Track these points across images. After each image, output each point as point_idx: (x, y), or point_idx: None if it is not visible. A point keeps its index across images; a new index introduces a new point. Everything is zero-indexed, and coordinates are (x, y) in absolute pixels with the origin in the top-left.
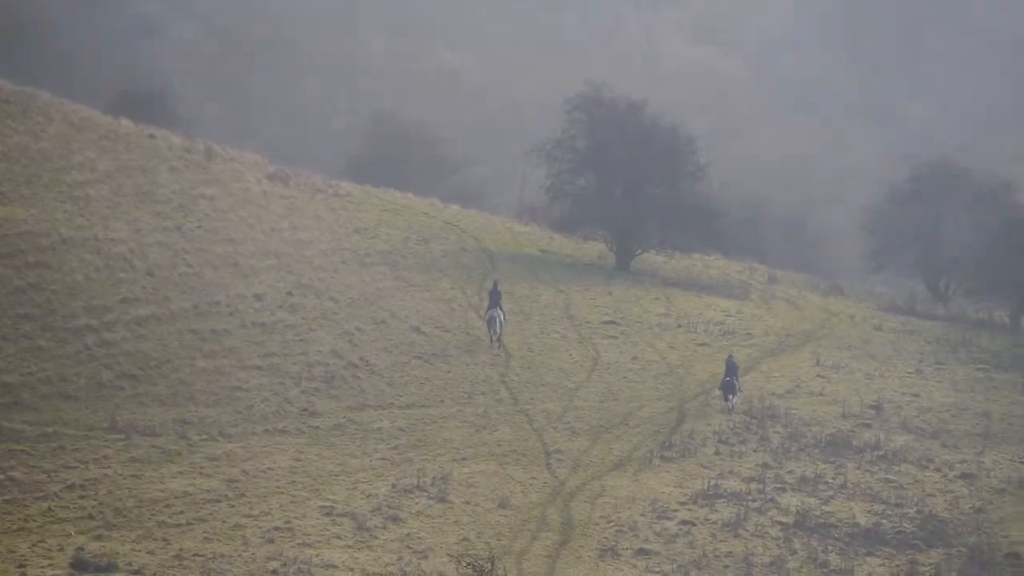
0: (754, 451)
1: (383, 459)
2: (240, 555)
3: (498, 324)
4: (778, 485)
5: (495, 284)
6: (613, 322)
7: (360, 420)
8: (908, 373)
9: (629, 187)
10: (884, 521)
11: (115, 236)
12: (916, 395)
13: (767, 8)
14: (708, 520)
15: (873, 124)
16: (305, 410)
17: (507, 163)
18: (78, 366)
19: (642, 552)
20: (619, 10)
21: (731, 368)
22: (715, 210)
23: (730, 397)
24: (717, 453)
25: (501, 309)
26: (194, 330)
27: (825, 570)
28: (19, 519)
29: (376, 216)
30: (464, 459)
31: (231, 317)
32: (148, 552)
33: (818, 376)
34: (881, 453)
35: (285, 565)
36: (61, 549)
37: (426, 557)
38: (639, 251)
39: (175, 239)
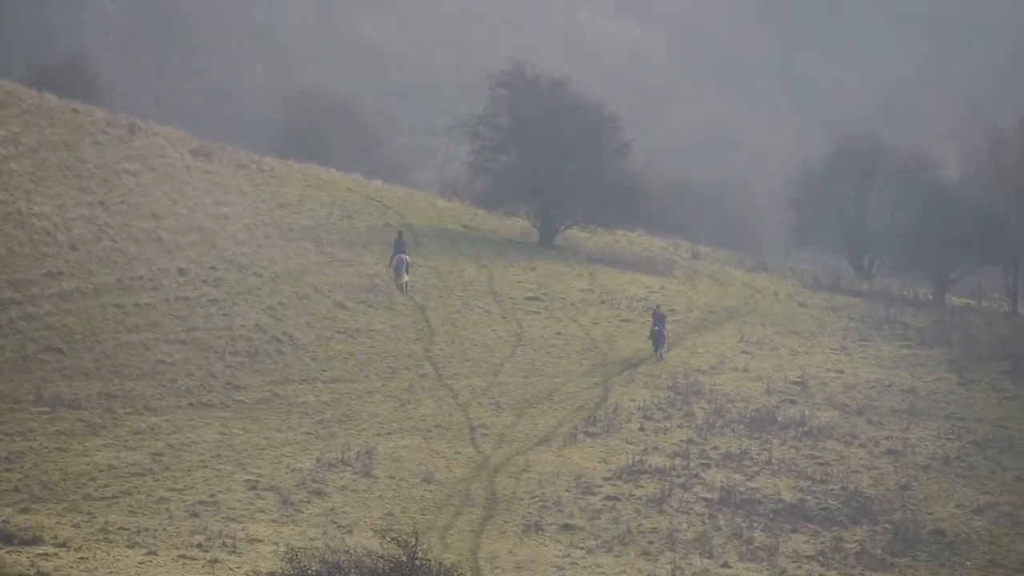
0: (679, 427)
1: (308, 433)
2: (165, 528)
3: (405, 267)
4: (703, 461)
5: (400, 235)
6: (537, 298)
7: (284, 394)
8: (833, 350)
9: (553, 164)
10: (809, 497)
11: (39, 210)
12: (841, 372)
13: None
14: (633, 496)
15: (795, 99)
16: (229, 384)
17: (429, 137)
18: (2, 339)
19: (567, 527)
20: None
21: (659, 318)
22: (639, 187)
23: (661, 346)
24: (642, 429)
25: (406, 255)
26: (118, 304)
27: (749, 546)
28: None
29: (299, 191)
30: (389, 434)
31: (155, 291)
32: (73, 525)
33: (742, 352)
34: (806, 429)
35: (210, 539)
36: None
37: (350, 532)
38: (563, 227)
39: (99, 214)
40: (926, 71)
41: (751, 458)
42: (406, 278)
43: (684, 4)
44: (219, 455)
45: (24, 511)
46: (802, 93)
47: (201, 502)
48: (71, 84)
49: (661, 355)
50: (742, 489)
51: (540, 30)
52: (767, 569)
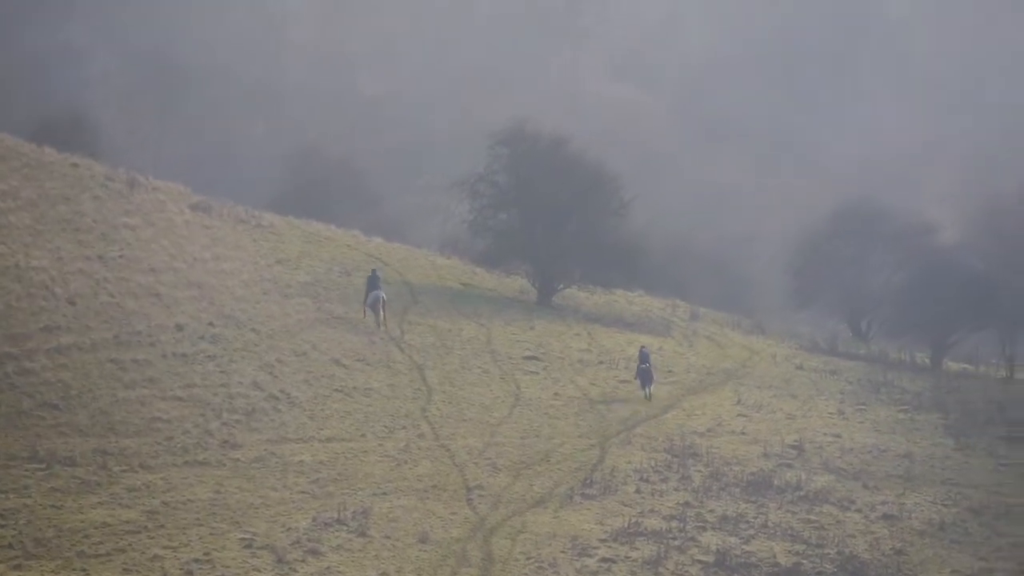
0: (675, 489)
1: (303, 492)
2: None
3: (381, 303)
4: (699, 524)
5: (373, 271)
6: (535, 357)
7: (281, 453)
8: (830, 413)
9: (552, 223)
10: (805, 561)
11: (37, 264)
12: (838, 435)
13: (691, 43)
14: (629, 558)
15: (796, 162)
16: (226, 442)
17: (429, 195)
18: None
19: None
20: (541, 41)
21: (644, 356)
22: (638, 247)
23: (648, 385)
24: (638, 491)
25: (382, 292)
26: (115, 360)
27: None
28: None
29: (299, 247)
30: (385, 493)
31: (152, 347)
32: None
33: (740, 415)
34: (802, 493)
35: None
36: None
37: None
38: (561, 286)
39: (97, 268)
40: (926, 134)
41: (747, 521)
42: (383, 315)
43: (685, 67)
44: (214, 513)
45: (17, 568)
46: (802, 156)
47: (196, 560)
48: (71, 138)
49: (648, 394)
50: (738, 552)
51: (540, 90)
52: None
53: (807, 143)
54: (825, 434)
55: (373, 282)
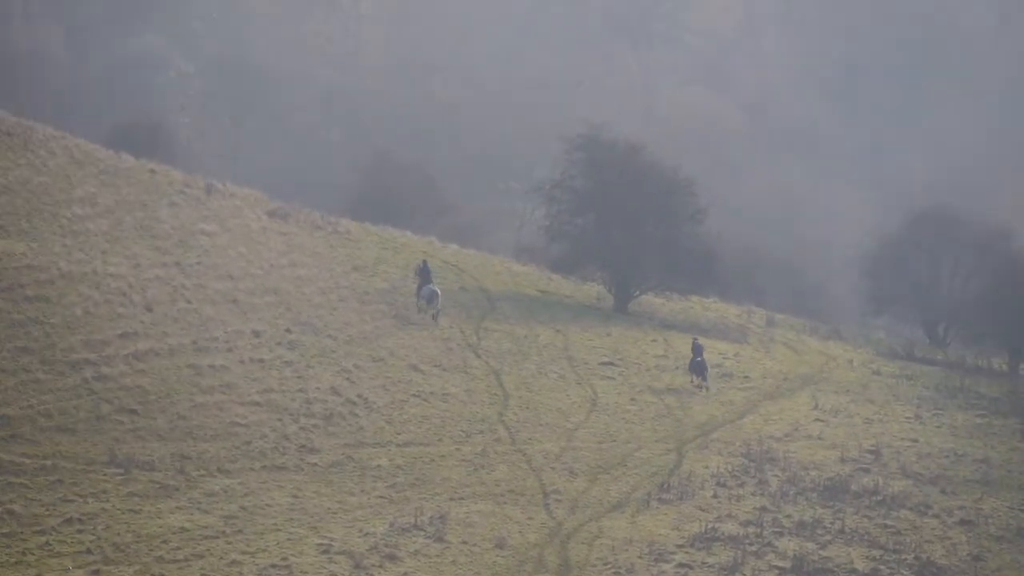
0: (752, 494)
1: (381, 497)
2: None
3: (437, 298)
4: (776, 529)
5: (424, 263)
6: (611, 363)
7: (358, 458)
8: (907, 418)
9: (628, 228)
10: (882, 567)
11: (114, 271)
12: (915, 440)
13: (763, 52)
14: (705, 564)
15: (868, 169)
16: (303, 447)
17: (505, 200)
18: (77, 400)
19: None
20: (615, 50)
21: (698, 349)
22: (713, 253)
23: (703, 377)
24: (715, 496)
25: (435, 286)
26: (193, 365)
27: None
28: (17, 552)
29: (375, 254)
30: (462, 498)
31: (229, 353)
32: None
33: (816, 420)
34: (879, 498)
35: None
36: None
37: None
38: (637, 293)
39: (174, 274)
40: (1000, 141)
41: (824, 527)
42: (439, 307)
43: (758, 74)
44: (292, 518)
45: (96, 573)
46: (876, 163)
47: (273, 565)
48: (148, 144)
49: (705, 387)
50: (815, 558)
51: (615, 96)
52: None
53: (880, 150)
54: (902, 439)
55: (424, 274)
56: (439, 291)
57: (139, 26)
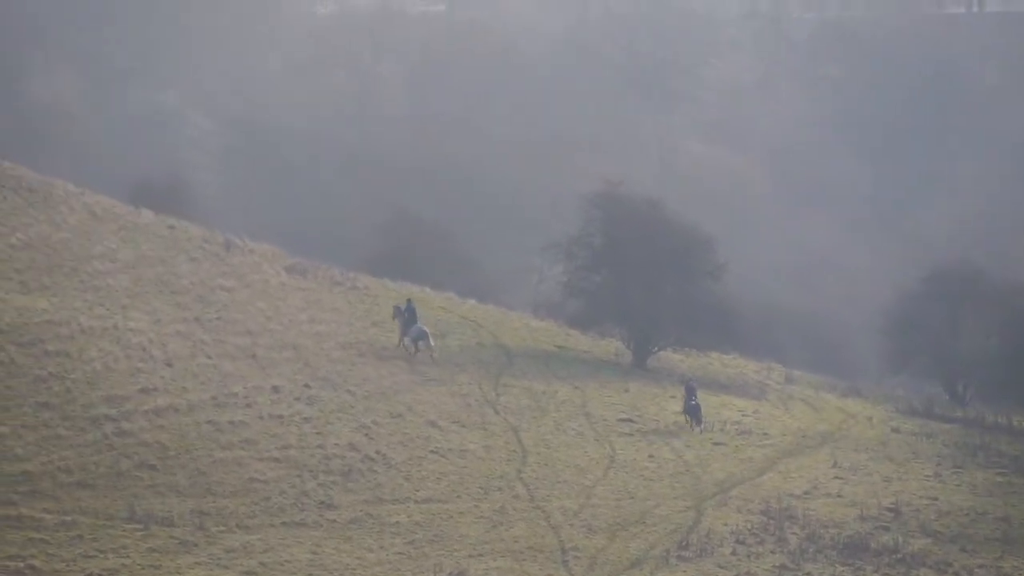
0: (771, 552)
1: (400, 554)
2: None
3: (428, 336)
4: None
5: (409, 302)
6: (630, 420)
7: (377, 514)
8: (926, 476)
9: (646, 284)
10: None
11: (134, 326)
12: (935, 499)
13: (783, 107)
14: None
15: (888, 224)
16: (322, 503)
17: (522, 257)
18: (97, 455)
19: None
20: (634, 104)
21: (691, 391)
22: (732, 310)
23: (698, 420)
24: (734, 553)
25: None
26: (212, 421)
27: None
28: None
29: (393, 310)
30: (481, 555)
31: (249, 409)
32: None
33: (836, 478)
34: (899, 556)
35: None
36: None
37: None
38: (656, 349)
39: (194, 330)
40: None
41: None
42: (432, 343)
43: (778, 129)
44: (311, 574)
45: None
46: (895, 218)
47: None
48: (167, 200)
49: (700, 430)
50: None
51: (633, 152)
52: None
53: (899, 206)
54: (922, 497)
55: (411, 315)
56: (428, 330)
57: (158, 82)
